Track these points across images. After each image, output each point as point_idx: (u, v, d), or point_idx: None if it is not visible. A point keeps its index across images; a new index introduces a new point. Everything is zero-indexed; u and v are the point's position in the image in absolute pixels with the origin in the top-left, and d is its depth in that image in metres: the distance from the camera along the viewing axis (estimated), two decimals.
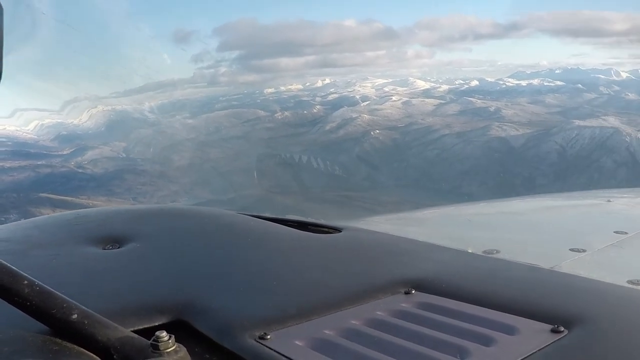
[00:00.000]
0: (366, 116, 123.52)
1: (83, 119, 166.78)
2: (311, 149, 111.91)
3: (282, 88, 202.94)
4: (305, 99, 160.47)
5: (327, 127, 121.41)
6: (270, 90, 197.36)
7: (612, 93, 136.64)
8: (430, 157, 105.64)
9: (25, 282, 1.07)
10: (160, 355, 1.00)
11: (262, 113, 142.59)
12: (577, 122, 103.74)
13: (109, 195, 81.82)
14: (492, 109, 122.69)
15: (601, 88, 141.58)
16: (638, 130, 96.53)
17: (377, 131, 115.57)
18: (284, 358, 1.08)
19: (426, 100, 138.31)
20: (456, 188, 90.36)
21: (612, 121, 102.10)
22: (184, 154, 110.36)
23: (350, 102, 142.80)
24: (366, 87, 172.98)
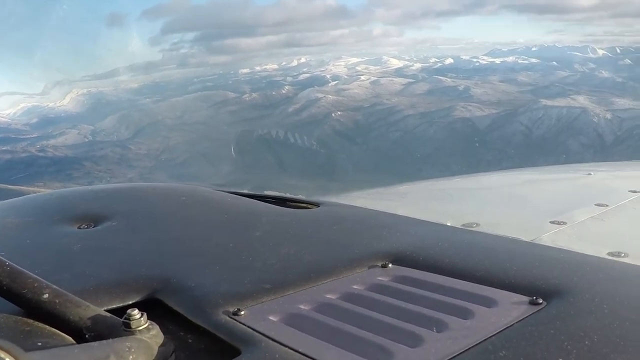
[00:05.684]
0: (331, 97, 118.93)
1: (64, 101, 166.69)
2: (270, 132, 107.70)
3: (257, 68, 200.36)
4: (277, 79, 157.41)
5: (291, 109, 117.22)
6: (245, 70, 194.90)
7: (586, 71, 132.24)
8: (393, 139, 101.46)
9: None
10: (132, 333, 1.00)
11: (231, 95, 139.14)
12: (544, 102, 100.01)
13: (66, 180, 79.60)
14: (461, 87, 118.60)
15: (576, 66, 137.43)
16: (607, 110, 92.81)
17: (339, 112, 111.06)
18: (257, 334, 1.08)
19: (395, 79, 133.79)
20: (417, 172, 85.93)
21: (582, 101, 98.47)
22: (147, 138, 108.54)
23: (321, 82, 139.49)
24: (339, 66, 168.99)
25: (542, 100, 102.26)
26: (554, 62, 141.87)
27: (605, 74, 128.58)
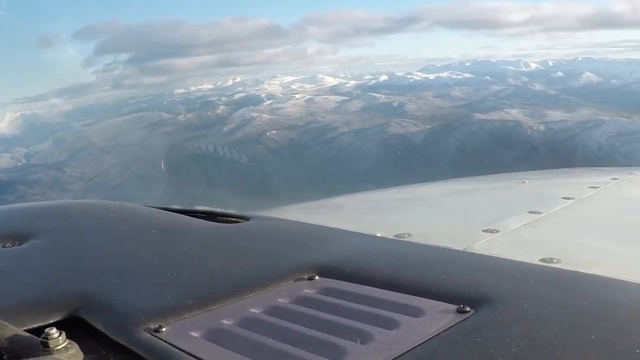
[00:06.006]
0: (266, 116, 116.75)
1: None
2: (203, 151, 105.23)
3: (193, 88, 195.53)
4: (212, 98, 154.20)
5: (225, 129, 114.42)
6: (180, 90, 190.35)
7: (519, 84, 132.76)
8: (327, 157, 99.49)
9: None
10: (50, 352, 0.97)
11: (166, 116, 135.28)
12: (478, 116, 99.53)
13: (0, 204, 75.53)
14: (395, 104, 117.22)
15: (509, 79, 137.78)
16: (540, 122, 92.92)
17: (274, 132, 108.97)
18: (177, 350, 1.06)
19: (330, 97, 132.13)
20: (351, 189, 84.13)
21: (515, 114, 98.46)
22: (81, 161, 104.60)
23: (256, 101, 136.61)
24: (274, 85, 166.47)
25: (476, 114, 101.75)
26: (488, 77, 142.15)
27: (538, 87, 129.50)
